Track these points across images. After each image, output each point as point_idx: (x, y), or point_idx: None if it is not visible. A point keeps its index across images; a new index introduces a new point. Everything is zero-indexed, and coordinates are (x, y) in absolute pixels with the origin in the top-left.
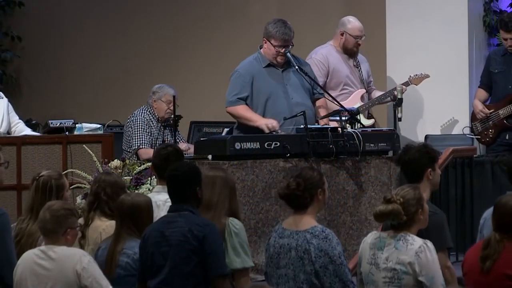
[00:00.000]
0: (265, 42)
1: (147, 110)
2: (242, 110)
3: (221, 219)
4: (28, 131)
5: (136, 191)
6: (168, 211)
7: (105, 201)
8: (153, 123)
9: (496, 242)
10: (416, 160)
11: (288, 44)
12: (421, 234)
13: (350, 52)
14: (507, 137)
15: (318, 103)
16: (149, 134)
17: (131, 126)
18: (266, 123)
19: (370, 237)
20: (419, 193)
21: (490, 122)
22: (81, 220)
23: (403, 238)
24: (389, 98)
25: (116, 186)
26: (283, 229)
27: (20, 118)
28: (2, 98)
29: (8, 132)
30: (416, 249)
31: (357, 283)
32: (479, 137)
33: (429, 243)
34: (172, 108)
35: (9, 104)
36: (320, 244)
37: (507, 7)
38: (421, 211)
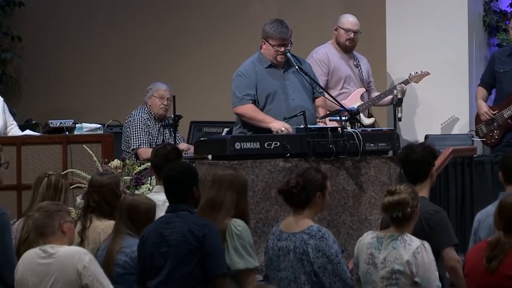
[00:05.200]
0: (264, 43)
1: (144, 110)
2: (253, 112)
3: (224, 220)
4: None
5: (136, 191)
6: (166, 212)
7: (94, 206)
8: (151, 122)
9: (503, 243)
10: (422, 159)
11: (286, 42)
12: (425, 234)
13: (343, 47)
14: None
15: (317, 102)
16: (147, 133)
17: (129, 127)
18: (279, 127)
19: (367, 237)
20: (415, 190)
21: (495, 123)
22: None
23: (400, 238)
24: (389, 97)
25: (105, 188)
26: (280, 232)
27: (20, 118)
28: None
29: (3, 133)
30: (414, 249)
31: (354, 283)
32: (484, 139)
33: (427, 244)
34: (165, 103)
35: (5, 104)
36: (317, 244)
37: (507, 7)
38: (416, 209)
